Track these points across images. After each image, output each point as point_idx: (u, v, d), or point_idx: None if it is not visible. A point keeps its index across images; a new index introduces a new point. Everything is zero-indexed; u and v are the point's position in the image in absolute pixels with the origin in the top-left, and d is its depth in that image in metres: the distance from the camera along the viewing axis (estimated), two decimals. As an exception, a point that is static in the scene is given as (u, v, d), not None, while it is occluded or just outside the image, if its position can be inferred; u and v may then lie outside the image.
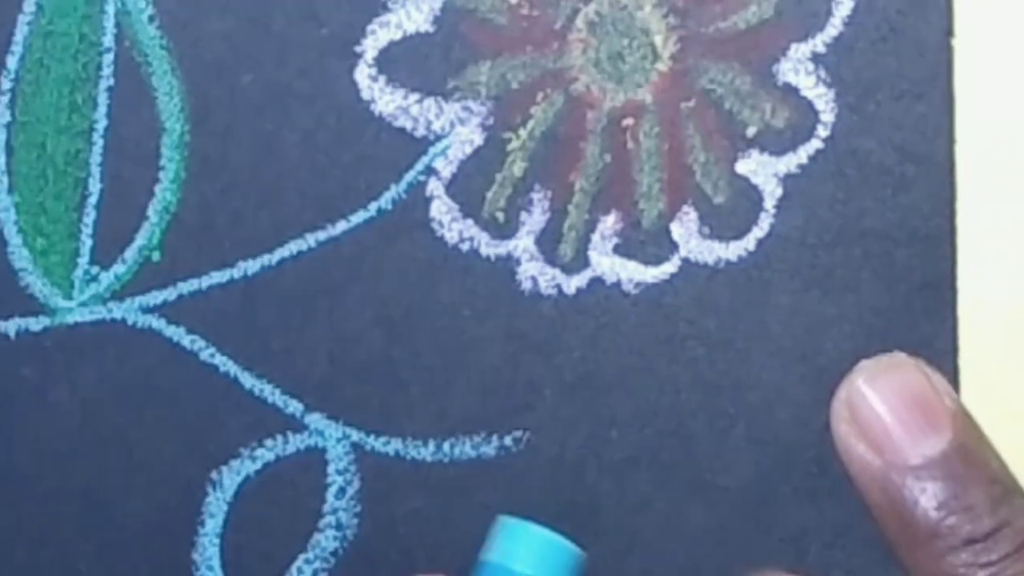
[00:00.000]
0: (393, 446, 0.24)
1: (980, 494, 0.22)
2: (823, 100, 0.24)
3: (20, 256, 0.25)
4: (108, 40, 0.24)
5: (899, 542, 0.23)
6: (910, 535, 0.22)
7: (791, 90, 0.24)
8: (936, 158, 0.23)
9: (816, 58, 0.24)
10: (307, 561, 0.24)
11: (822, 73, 0.24)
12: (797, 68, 0.24)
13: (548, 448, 0.24)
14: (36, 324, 0.25)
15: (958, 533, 0.22)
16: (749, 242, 0.24)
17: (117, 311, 0.25)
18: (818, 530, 0.24)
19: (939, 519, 0.22)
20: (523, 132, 0.24)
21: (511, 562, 0.23)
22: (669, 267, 0.24)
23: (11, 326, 0.25)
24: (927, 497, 0.22)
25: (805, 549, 0.24)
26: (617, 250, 0.24)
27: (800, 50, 0.24)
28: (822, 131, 0.23)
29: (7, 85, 0.24)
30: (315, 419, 0.24)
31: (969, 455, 0.22)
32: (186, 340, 0.24)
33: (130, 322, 0.25)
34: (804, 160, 0.24)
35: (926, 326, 0.24)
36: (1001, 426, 0.24)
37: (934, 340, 0.24)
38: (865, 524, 0.23)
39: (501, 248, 0.24)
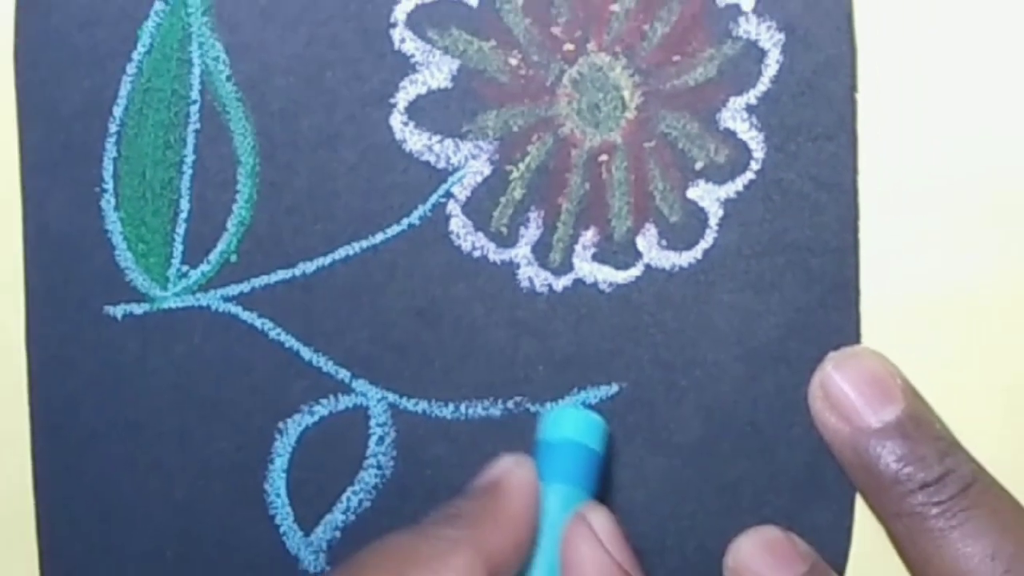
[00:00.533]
0: (421, 406, 0.27)
1: (929, 449, 0.25)
2: (755, 141, 0.26)
3: (125, 257, 0.28)
4: (195, 94, 0.27)
5: (868, 491, 0.25)
6: (876, 484, 0.25)
7: (730, 133, 0.26)
8: (843, 186, 0.26)
9: (749, 108, 0.26)
10: (354, 493, 0.27)
11: (754, 120, 0.26)
12: (735, 116, 0.26)
13: (541, 410, 0.27)
14: (138, 309, 0.28)
15: (914, 479, 0.24)
16: (697, 252, 0.26)
17: (203, 300, 0.28)
18: (752, 478, 0.27)
19: (898, 469, 0.24)
20: (522, 165, 0.27)
21: (560, 433, 0.26)
22: (635, 271, 0.27)
23: (119, 311, 0.28)
24: (887, 453, 0.25)
25: (741, 493, 0.27)
26: (595, 258, 0.27)
27: (737, 102, 0.26)
28: (754, 165, 0.26)
29: (114, 128, 0.27)
30: (360, 384, 0.27)
31: (918, 419, 0.25)
32: (257, 323, 0.27)
33: (213, 308, 0.28)
34: (740, 188, 0.26)
35: (835, 320, 0.26)
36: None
37: (842, 331, 0.26)
38: (788, 473, 0.27)
39: (505, 255, 0.27)
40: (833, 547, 0.27)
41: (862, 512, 0.27)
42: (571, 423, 0.26)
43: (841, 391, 0.25)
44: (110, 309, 0.28)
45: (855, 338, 0.26)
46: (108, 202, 0.28)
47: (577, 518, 0.25)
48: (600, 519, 0.25)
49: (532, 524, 0.25)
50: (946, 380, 0.27)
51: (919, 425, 0.25)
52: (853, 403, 0.25)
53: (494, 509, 0.25)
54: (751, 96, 0.26)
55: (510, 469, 0.26)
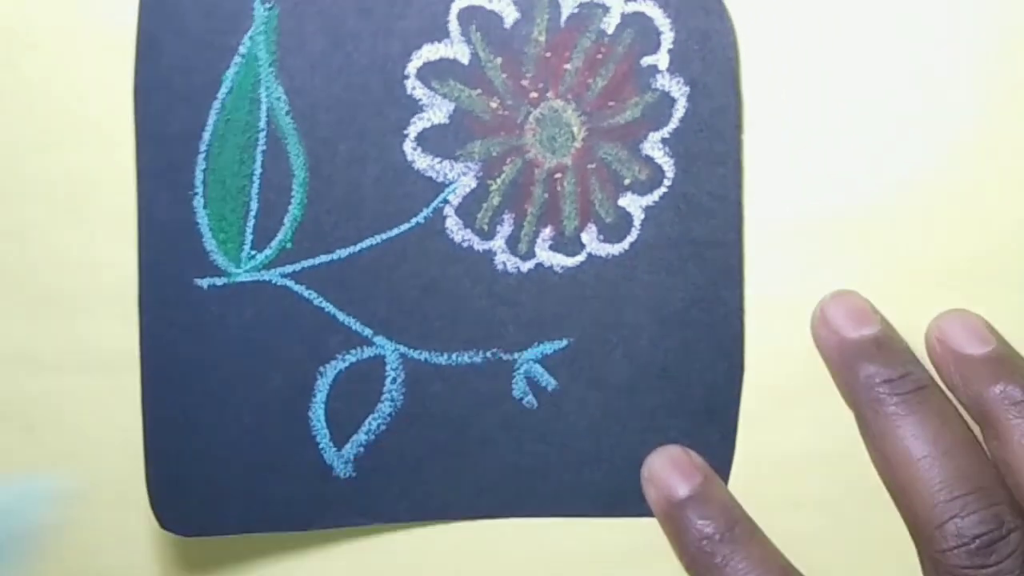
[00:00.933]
0: (423, 355, 0.31)
1: (895, 357, 0.28)
2: (667, 165, 0.30)
3: (210, 243, 0.31)
4: (262, 124, 0.30)
5: (846, 383, 0.28)
6: (852, 381, 0.28)
7: (649, 159, 0.30)
8: (731, 198, 0.30)
9: (664, 141, 0.30)
10: (373, 419, 0.31)
11: (667, 149, 0.30)
12: (653, 146, 0.30)
13: (511, 358, 0.31)
14: (219, 281, 0.31)
15: (881, 375, 0.28)
16: (625, 244, 0.30)
17: (266, 276, 0.31)
18: (663, 408, 0.30)
19: (872, 367, 0.28)
20: (499, 180, 0.30)
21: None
22: (580, 258, 0.30)
23: (205, 282, 0.31)
24: (864, 358, 0.28)
25: (656, 419, 0.30)
26: (551, 248, 0.30)
27: (655, 136, 0.30)
28: (667, 182, 0.30)
29: (204, 148, 0.30)
30: (380, 339, 0.31)
31: (889, 337, 0.28)
32: (305, 293, 0.30)
33: (273, 282, 0.30)
34: (657, 198, 0.30)
35: (725, 295, 0.30)
36: (767, 359, 0.30)
37: (728, 304, 0.30)
38: (690, 405, 0.30)
39: (486, 246, 0.30)
40: (721, 459, 0.30)
41: (840, 519, 0.29)
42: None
43: (833, 313, 0.28)
44: (199, 281, 0.30)
45: (739, 309, 0.30)
46: (199, 202, 0.30)
47: None
48: None
49: None
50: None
51: (890, 341, 0.28)
52: (840, 321, 0.28)
53: None
54: (665, 131, 0.30)
55: None
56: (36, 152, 0.31)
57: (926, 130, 0.29)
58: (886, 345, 0.28)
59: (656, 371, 0.31)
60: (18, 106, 0.31)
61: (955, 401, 0.28)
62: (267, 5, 0.30)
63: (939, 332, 0.29)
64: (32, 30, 0.30)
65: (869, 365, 0.28)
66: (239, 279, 0.31)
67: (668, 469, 0.30)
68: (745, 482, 0.30)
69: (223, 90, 0.31)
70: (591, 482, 0.31)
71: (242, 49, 0.30)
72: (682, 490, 0.29)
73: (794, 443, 0.29)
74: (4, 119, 0.31)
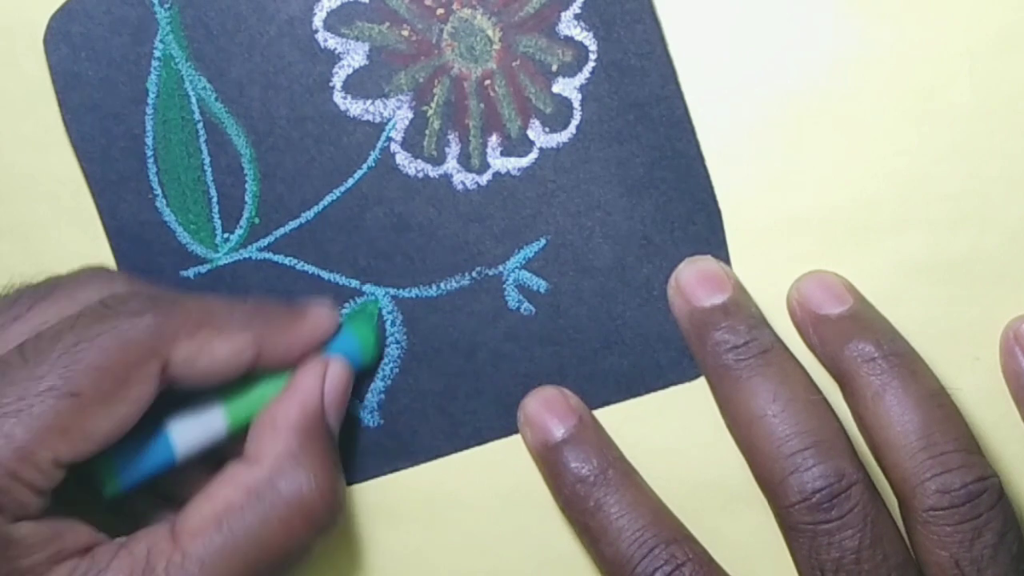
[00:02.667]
0: (413, 292, 0.31)
1: (742, 324, 0.29)
2: (588, 39, 0.30)
3: (183, 236, 0.32)
4: (197, 116, 0.31)
5: (697, 350, 0.29)
6: (703, 343, 0.29)
7: (569, 39, 0.30)
8: (657, 53, 0.30)
9: (576, 16, 0.30)
10: (385, 364, 0.32)
11: (582, 24, 0.30)
12: (568, 25, 0.30)
13: (497, 271, 0.31)
14: (203, 268, 0.32)
15: (728, 342, 0.28)
16: (572, 129, 0.30)
17: (244, 254, 0.32)
18: (664, 274, 0.30)
19: (718, 335, 0.28)
20: (433, 104, 0.31)
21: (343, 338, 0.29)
22: (533, 155, 0.31)
23: (190, 272, 0.32)
24: (713, 322, 0.29)
25: (663, 291, 0.30)
26: (502, 154, 0.31)
27: (567, 15, 0.30)
28: (592, 56, 0.30)
29: (150, 152, 0.31)
30: (368, 287, 0.31)
31: (738, 304, 0.29)
32: (285, 261, 0.31)
33: (253, 258, 0.32)
34: (587, 75, 0.30)
35: (680, 147, 0.30)
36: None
37: (686, 155, 0.30)
38: (664, 263, 0.30)
39: (440, 171, 0.31)
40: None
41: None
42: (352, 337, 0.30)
43: (686, 282, 0.29)
44: (184, 273, 0.31)
45: (699, 156, 0.30)
46: (161, 202, 0.31)
47: (325, 363, 0.28)
48: (340, 372, 0.28)
49: (308, 345, 0.28)
50: (764, 196, 0.30)
51: (738, 308, 0.29)
52: (693, 289, 0.29)
53: (288, 321, 0.28)
54: (576, 7, 0.30)
55: (317, 305, 0.29)
56: (36, 152, 0.32)
57: (919, 127, 0.30)
58: (733, 312, 0.29)
59: (638, 242, 0.31)
60: (18, 106, 0.32)
61: (810, 361, 0.29)
62: (166, 5, 0.31)
63: (798, 294, 0.29)
64: (33, 30, 0.31)
65: (716, 333, 0.28)
66: (221, 262, 0.32)
67: (543, 411, 0.30)
68: (745, 480, 0.30)
69: (151, 96, 0.32)
70: (609, 369, 0.31)
71: (157, 53, 0.32)
72: (557, 432, 0.29)
73: None
74: (4, 119, 0.32)
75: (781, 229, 0.30)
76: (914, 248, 0.29)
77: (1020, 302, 0.29)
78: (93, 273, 0.28)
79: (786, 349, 0.29)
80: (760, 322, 0.29)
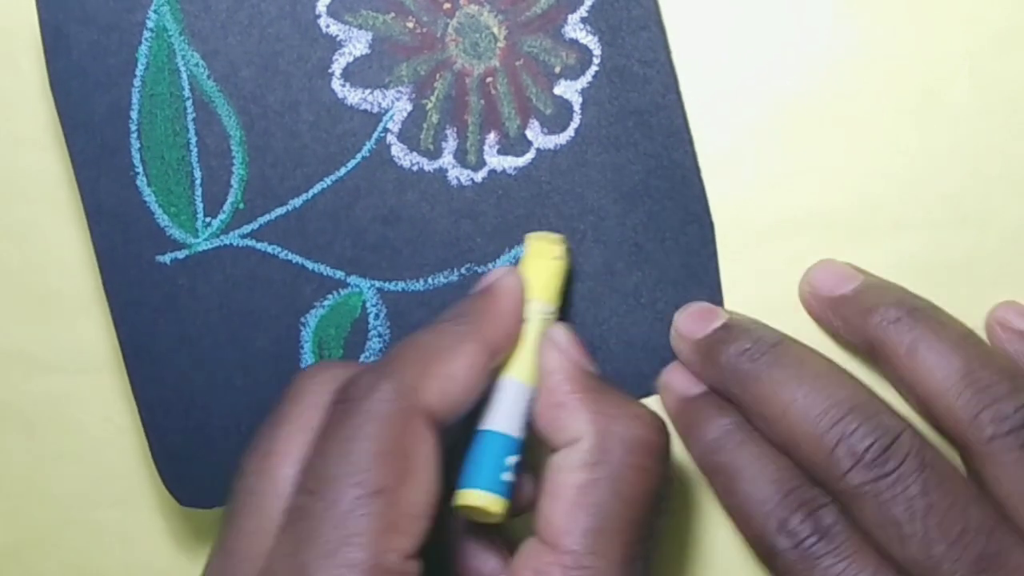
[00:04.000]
0: (400, 286, 0.31)
1: (744, 332, 0.29)
2: (592, 43, 0.30)
3: (163, 219, 0.31)
4: (187, 93, 0.31)
5: (711, 373, 0.29)
6: (715, 363, 0.29)
7: (574, 41, 0.30)
8: (660, 62, 0.30)
9: (583, 20, 0.30)
10: (366, 358, 0.31)
11: (588, 28, 0.30)
12: (574, 28, 0.30)
13: (486, 269, 0.31)
14: (181, 255, 0.31)
15: (738, 350, 0.29)
16: (571, 131, 0.30)
17: (226, 240, 0.31)
18: (654, 283, 0.31)
19: (727, 348, 0.29)
20: (433, 98, 0.31)
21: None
22: (530, 155, 0.31)
23: (167, 258, 0.31)
24: (718, 340, 0.29)
25: (651, 299, 0.31)
26: (499, 152, 0.31)
27: (573, 17, 0.30)
28: (596, 61, 0.30)
29: (134, 128, 0.31)
30: (353, 279, 0.31)
31: (735, 322, 0.30)
32: (269, 249, 0.31)
33: (235, 244, 0.31)
34: (590, 79, 0.30)
35: (677, 157, 0.30)
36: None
37: (683, 165, 0.30)
38: (682, 271, 0.30)
39: (435, 165, 0.31)
40: (706, 282, 0.31)
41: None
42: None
43: (683, 323, 0.30)
44: (160, 258, 0.31)
45: (695, 168, 0.30)
46: (142, 181, 0.31)
47: (546, 339, 0.28)
48: (561, 335, 0.28)
49: (519, 317, 0.28)
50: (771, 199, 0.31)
51: (737, 323, 0.29)
52: (690, 325, 0.30)
53: (490, 306, 0.27)
54: (582, 10, 0.30)
55: (500, 276, 0.28)
56: (36, 152, 0.32)
57: (918, 127, 0.30)
58: (734, 327, 0.29)
59: (629, 249, 0.31)
60: (19, 106, 0.32)
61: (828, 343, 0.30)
62: (163, -26, 0.31)
63: (809, 285, 0.30)
64: (32, 30, 0.30)
65: (724, 347, 0.29)
66: (200, 248, 0.31)
67: (683, 373, 0.30)
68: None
69: (140, 67, 0.31)
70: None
71: (149, 23, 0.31)
72: (696, 388, 0.30)
73: None
74: (4, 119, 0.31)
75: (782, 230, 0.31)
76: (914, 248, 0.30)
77: (1020, 302, 0.29)
78: (299, 385, 0.27)
79: (794, 340, 0.29)
80: (760, 325, 0.30)
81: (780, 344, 0.29)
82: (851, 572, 0.26)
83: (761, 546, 0.27)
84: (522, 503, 0.28)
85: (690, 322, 0.30)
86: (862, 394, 0.27)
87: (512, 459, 0.27)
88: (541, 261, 0.29)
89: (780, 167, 0.31)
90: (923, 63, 0.30)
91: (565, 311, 0.31)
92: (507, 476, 0.27)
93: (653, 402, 0.31)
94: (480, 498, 0.26)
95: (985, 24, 0.29)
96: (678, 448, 0.31)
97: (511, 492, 0.27)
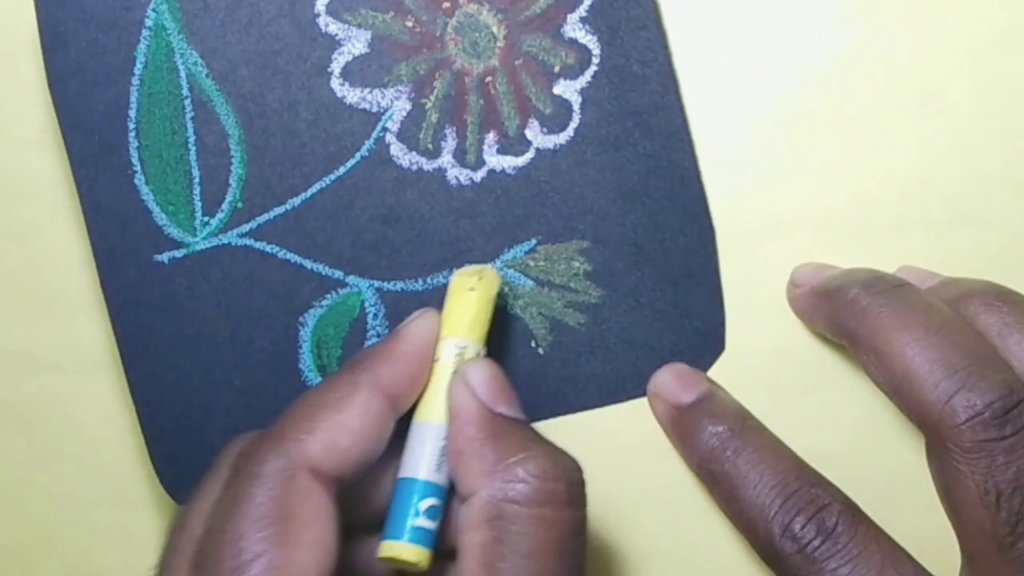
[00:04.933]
0: (399, 285, 0.31)
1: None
2: (592, 43, 0.30)
3: (160, 218, 0.31)
4: (185, 91, 0.31)
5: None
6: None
7: (573, 41, 0.30)
8: (659, 62, 0.30)
9: (583, 19, 0.30)
10: None
11: (587, 27, 0.30)
12: (574, 28, 0.30)
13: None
14: (179, 253, 0.31)
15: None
16: (570, 131, 0.31)
17: (224, 239, 0.31)
18: (653, 284, 0.31)
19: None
20: (432, 97, 0.31)
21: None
22: (529, 155, 0.31)
23: (165, 257, 0.31)
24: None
25: (651, 299, 0.31)
26: (499, 152, 0.31)
27: (573, 17, 0.30)
28: (595, 60, 0.30)
29: (133, 126, 0.31)
30: (352, 279, 0.31)
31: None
32: (267, 249, 0.31)
33: (233, 244, 0.31)
34: (589, 78, 0.30)
35: (676, 157, 0.30)
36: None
37: (682, 165, 0.30)
38: (681, 271, 0.30)
39: (434, 164, 0.31)
40: (712, 320, 0.31)
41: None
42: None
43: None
44: (158, 257, 0.31)
45: (694, 168, 0.31)
46: (140, 179, 0.31)
47: (456, 377, 0.26)
48: (473, 372, 0.26)
49: (423, 358, 0.27)
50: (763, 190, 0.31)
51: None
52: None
53: (389, 349, 0.26)
54: (582, 10, 0.30)
55: (410, 318, 0.27)
56: (36, 151, 0.32)
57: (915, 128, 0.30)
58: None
59: (629, 249, 0.31)
60: (18, 106, 0.32)
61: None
62: (162, -28, 0.31)
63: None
64: (31, 30, 0.30)
65: (847, 291, 0.28)
66: (198, 248, 0.31)
67: (673, 381, 0.30)
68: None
69: (139, 65, 0.31)
70: (591, 373, 0.31)
71: (148, 22, 0.31)
72: (688, 397, 0.29)
73: (795, 443, 0.29)
74: (4, 119, 0.31)
75: (782, 230, 0.31)
76: (914, 248, 0.30)
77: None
78: (219, 458, 0.26)
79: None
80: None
81: (905, 287, 0.27)
82: (858, 572, 0.26)
83: (767, 552, 0.27)
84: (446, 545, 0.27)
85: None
86: (987, 350, 0.26)
87: (426, 504, 0.26)
88: (458, 296, 0.28)
89: (780, 167, 0.31)
90: (923, 63, 0.30)
91: (561, 322, 0.31)
92: (423, 522, 0.26)
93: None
94: (394, 548, 0.26)
95: (985, 24, 0.29)
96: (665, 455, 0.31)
97: (431, 539, 0.26)
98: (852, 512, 0.27)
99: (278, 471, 0.24)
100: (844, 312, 0.27)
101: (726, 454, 0.28)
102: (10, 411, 0.32)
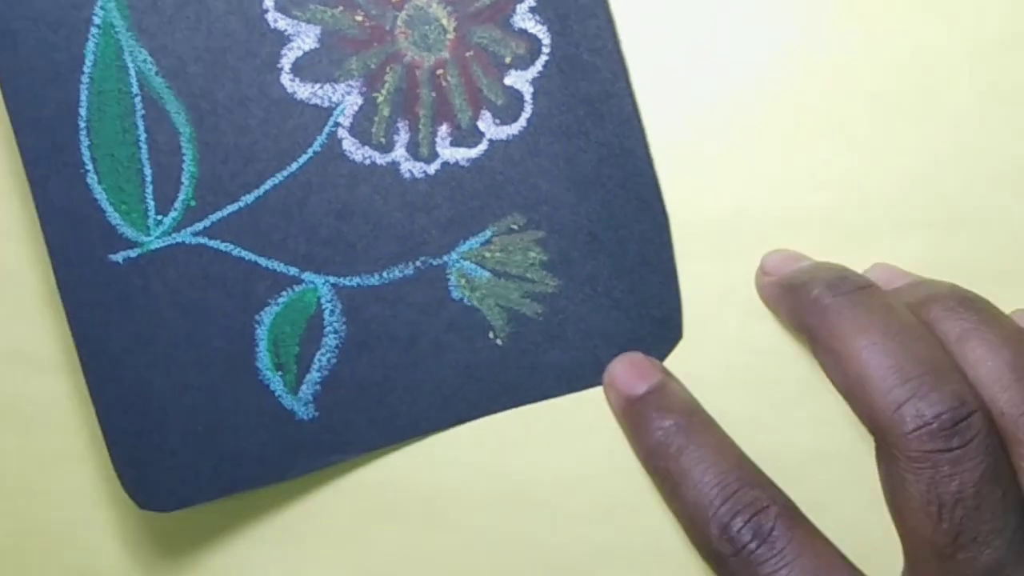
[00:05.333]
0: (355, 281, 0.31)
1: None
2: (541, 32, 0.30)
3: (113, 217, 0.31)
4: (135, 89, 0.30)
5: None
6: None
7: (523, 31, 0.30)
8: (608, 49, 0.30)
9: (532, 9, 0.30)
10: (322, 354, 0.31)
11: (537, 17, 0.30)
12: (523, 18, 0.30)
13: (441, 261, 0.31)
14: (133, 253, 0.31)
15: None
16: (522, 122, 0.31)
17: (178, 238, 0.31)
18: (609, 272, 0.31)
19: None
20: (384, 91, 0.30)
21: None
22: (482, 147, 0.31)
23: (119, 257, 0.31)
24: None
25: (607, 287, 0.31)
26: (452, 144, 0.31)
27: (522, 7, 0.30)
28: (545, 50, 0.30)
29: (83, 125, 0.30)
30: (308, 275, 0.31)
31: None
32: (221, 247, 0.31)
33: (187, 242, 0.31)
34: (540, 68, 0.30)
35: (628, 144, 0.30)
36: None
37: (634, 153, 0.30)
38: (637, 259, 0.30)
39: (388, 158, 0.31)
40: (669, 306, 0.31)
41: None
42: None
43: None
44: (112, 257, 0.30)
45: (647, 156, 0.30)
46: (92, 179, 0.30)
47: None
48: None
49: None
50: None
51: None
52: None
53: None
54: (530, 0, 0.30)
55: None
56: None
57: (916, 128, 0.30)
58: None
59: (584, 238, 0.31)
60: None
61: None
62: (109, -30, 0.31)
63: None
64: None
65: (807, 289, 0.28)
66: (152, 247, 0.31)
67: (628, 371, 0.30)
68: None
69: (88, 64, 0.31)
70: (550, 363, 0.31)
71: (96, 20, 0.30)
72: (640, 388, 0.29)
73: (794, 443, 0.29)
74: (5, 119, 0.31)
75: (781, 230, 0.31)
76: (914, 248, 0.30)
77: (1020, 302, 0.29)
78: None
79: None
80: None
81: (869, 289, 0.27)
82: None
83: (707, 552, 0.27)
84: None
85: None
86: (943, 360, 0.26)
87: None
88: None
89: (780, 167, 0.31)
90: (923, 63, 0.30)
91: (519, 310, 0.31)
92: None
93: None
94: None
95: (985, 24, 0.29)
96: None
97: None
98: (790, 515, 0.27)
99: None
100: (806, 309, 0.27)
101: (670, 450, 0.28)
102: (10, 411, 0.32)
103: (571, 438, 0.31)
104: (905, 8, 0.30)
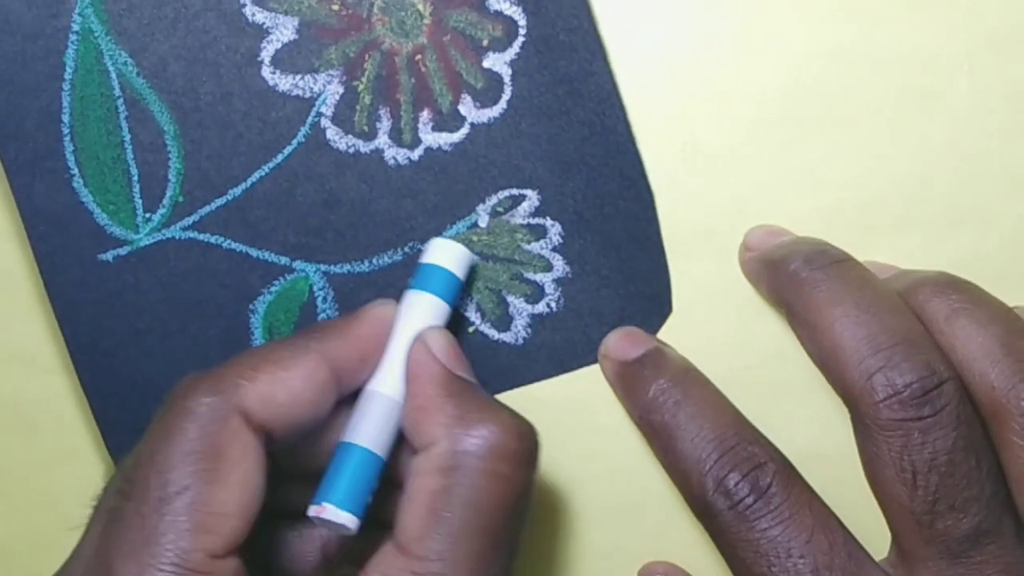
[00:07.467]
0: (345, 268, 0.31)
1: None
2: (517, 14, 0.30)
3: (101, 217, 0.31)
4: (117, 92, 0.31)
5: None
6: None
7: (499, 13, 0.31)
8: (584, 28, 0.30)
9: None
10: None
11: None
12: (499, 0, 0.31)
13: (422, 248, 0.30)
14: (123, 251, 0.31)
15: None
16: (503, 104, 0.31)
17: (168, 233, 0.31)
18: (598, 251, 0.31)
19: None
20: (364, 79, 0.31)
21: (430, 259, 0.28)
22: (464, 131, 0.31)
23: (109, 256, 0.31)
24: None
25: (596, 266, 0.31)
26: (434, 129, 0.31)
27: None
28: (522, 31, 0.30)
29: (67, 130, 0.31)
30: (299, 264, 0.31)
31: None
32: (212, 240, 0.31)
33: (177, 238, 0.31)
34: (518, 50, 0.30)
35: (609, 122, 0.30)
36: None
37: (616, 130, 0.30)
38: (623, 236, 0.30)
39: (371, 146, 0.31)
40: (659, 283, 0.31)
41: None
42: (441, 251, 0.29)
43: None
44: (102, 256, 0.31)
45: (628, 132, 0.30)
46: (78, 182, 0.31)
47: (417, 342, 0.27)
48: (435, 338, 0.27)
49: (378, 345, 0.27)
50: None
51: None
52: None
53: (345, 328, 0.27)
54: None
55: (371, 304, 0.28)
56: None
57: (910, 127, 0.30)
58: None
59: (570, 217, 0.31)
60: None
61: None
62: (85, -24, 0.31)
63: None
64: None
65: (785, 264, 0.28)
66: (142, 244, 0.31)
67: (621, 340, 0.30)
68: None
69: (68, 71, 0.31)
70: (542, 343, 0.31)
71: (75, 27, 0.31)
72: (634, 353, 0.29)
73: (794, 443, 0.29)
74: None
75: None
76: (914, 248, 0.30)
77: (1020, 302, 0.29)
78: (165, 397, 0.26)
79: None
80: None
81: (846, 263, 0.27)
82: (788, 535, 0.26)
83: (699, 505, 0.27)
84: (387, 517, 0.27)
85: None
86: (916, 331, 0.26)
87: (365, 471, 0.26)
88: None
89: (780, 167, 0.31)
90: (923, 63, 0.30)
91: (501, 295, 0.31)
92: (359, 489, 0.26)
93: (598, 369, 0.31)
94: (327, 511, 0.26)
95: (985, 24, 0.29)
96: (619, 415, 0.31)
97: (364, 507, 0.26)
98: (787, 473, 0.27)
99: (212, 409, 0.24)
100: (784, 283, 0.27)
101: (666, 405, 0.28)
102: (10, 411, 0.32)
103: (571, 438, 0.31)
104: (905, 8, 0.30)
